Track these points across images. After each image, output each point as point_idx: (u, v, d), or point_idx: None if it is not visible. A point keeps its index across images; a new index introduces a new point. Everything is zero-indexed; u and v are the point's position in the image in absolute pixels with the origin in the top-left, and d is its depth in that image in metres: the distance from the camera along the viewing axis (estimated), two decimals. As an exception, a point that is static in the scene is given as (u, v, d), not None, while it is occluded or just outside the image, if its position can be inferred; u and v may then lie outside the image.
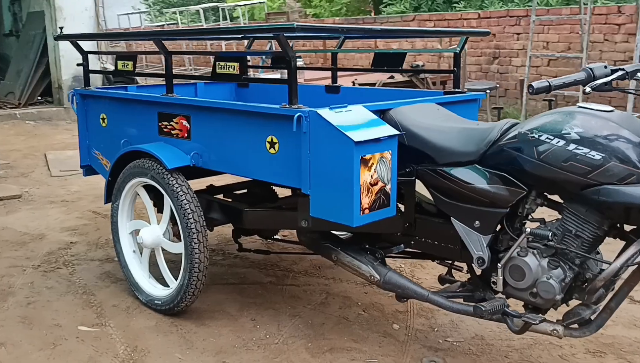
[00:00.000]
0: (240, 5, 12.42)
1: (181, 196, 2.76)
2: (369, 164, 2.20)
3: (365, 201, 2.22)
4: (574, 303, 2.29)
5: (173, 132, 2.93)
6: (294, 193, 3.39)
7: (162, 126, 2.98)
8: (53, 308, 3.09)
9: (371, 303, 3.19)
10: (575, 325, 2.24)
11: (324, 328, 2.92)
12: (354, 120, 2.24)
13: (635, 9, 7.33)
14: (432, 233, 2.53)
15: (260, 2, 12.51)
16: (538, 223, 2.29)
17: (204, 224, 2.77)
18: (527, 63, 8.11)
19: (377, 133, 2.22)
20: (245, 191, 3.43)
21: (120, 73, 3.19)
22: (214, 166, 2.78)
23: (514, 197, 2.25)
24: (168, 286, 3.02)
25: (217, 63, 2.64)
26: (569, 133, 2.07)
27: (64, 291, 3.30)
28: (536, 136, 2.15)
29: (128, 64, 3.13)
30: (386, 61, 3.46)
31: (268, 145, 2.49)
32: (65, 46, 8.82)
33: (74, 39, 3.41)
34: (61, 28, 3.69)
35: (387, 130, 2.27)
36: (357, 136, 2.14)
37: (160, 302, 2.97)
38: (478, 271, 2.50)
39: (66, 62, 8.89)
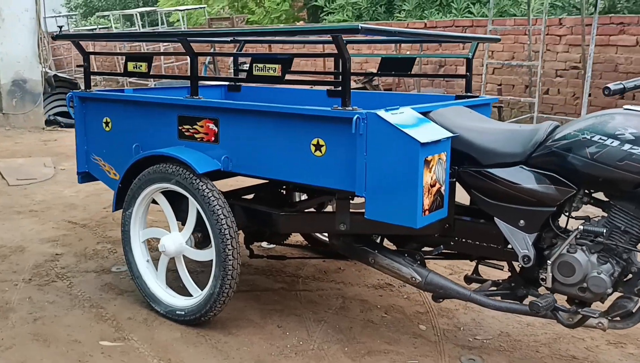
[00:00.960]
0: (181, 10, 12.16)
1: (213, 201, 2.67)
2: (430, 166, 2.23)
3: (427, 202, 2.23)
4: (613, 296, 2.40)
5: (197, 136, 2.83)
6: (310, 196, 3.35)
7: (183, 130, 2.87)
8: (64, 324, 2.91)
9: (390, 306, 3.21)
10: (618, 318, 2.35)
11: (353, 332, 2.91)
12: (411, 122, 2.26)
13: (580, 21, 7.78)
14: (472, 233, 2.58)
15: (200, 8, 12.31)
16: (583, 221, 2.38)
17: (236, 229, 2.69)
18: (484, 71, 8.44)
19: (437, 135, 2.24)
20: (252, 195, 3.37)
21: (131, 75, 3.05)
22: (246, 170, 2.71)
23: (562, 196, 2.34)
24: (190, 295, 2.91)
25: (254, 65, 2.58)
26: (623, 134, 2.17)
27: (68, 305, 3.11)
28: (588, 137, 2.24)
29: (141, 66, 3.00)
30: (394, 66, 3.50)
31: (313, 148, 2.46)
32: (5, 49, 8.31)
33: (76, 38, 3.23)
34: (60, 27, 3.48)
35: (443, 132, 2.30)
36: (422, 137, 2.16)
37: (184, 312, 2.86)
38: (517, 269, 2.57)
39: (5, 65, 8.37)
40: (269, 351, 2.71)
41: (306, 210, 3.03)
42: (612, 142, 2.19)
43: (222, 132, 2.74)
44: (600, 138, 2.22)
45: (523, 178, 2.40)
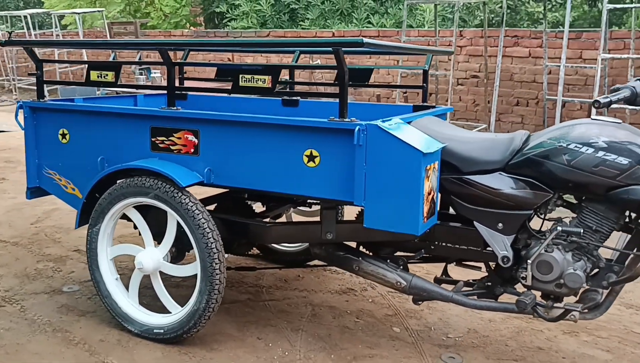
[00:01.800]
0: (78, 13, 11.54)
1: (197, 214, 2.62)
2: (428, 175, 2.33)
3: (426, 209, 2.34)
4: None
5: (173, 148, 2.75)
6: (267, 205, 3.33)
7: (157, 142, 2.78)
8: (31, 351, 2.71)
9: (359, 310, 3.29)
10: (587, 310, 2.59)
11: (333, 339, 2.95)
12: (408, 133, 2.35)
13: (480, 33, 8.31)
14: (452, 237, 2.72)
15: (98, 11, 11.74)
16: (555, 222, 2.60)
17: (221, 243, 2.65)
18: (399, 79, 8.76)
19: (434, 145, 2.35)
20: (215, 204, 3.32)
21: (95, 85, 2.90)
22: (230, 183, 2.67)
23: (539, 200, 2.53)
24: (167, 312, 2.81)
25: (240, 76, 2.56)
26: (597, 141, 2.40)
27: (28, 331, 2.89)
28: (564, 145, 2.45)
29: (107, 75, 2.86)
30: (353, 77, 3.59)
31: (306, 159, 2.48)
32: None
33: (27, 45, 3.01)
34: (10, 32, 3.22)
35: (436, 142, 2.42)
36: (423, 148, 2.26)
37: (162, 331, 2.76)
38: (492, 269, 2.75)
39: None
40: (257, 364, 2.69)
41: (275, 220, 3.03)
42: (587, 149, 2.41)
43: (203, 144, 2.68)
44: (575, 146, 2.43)
45: (503, 184, 2.57)
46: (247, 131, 2.59)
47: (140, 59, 9.88)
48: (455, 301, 2.71)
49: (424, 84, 3.43)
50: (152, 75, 9.09)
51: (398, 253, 2.88)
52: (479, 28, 9.13)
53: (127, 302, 2.88)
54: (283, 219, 3.76)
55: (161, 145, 2.78)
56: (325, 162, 2.45)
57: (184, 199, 2.63)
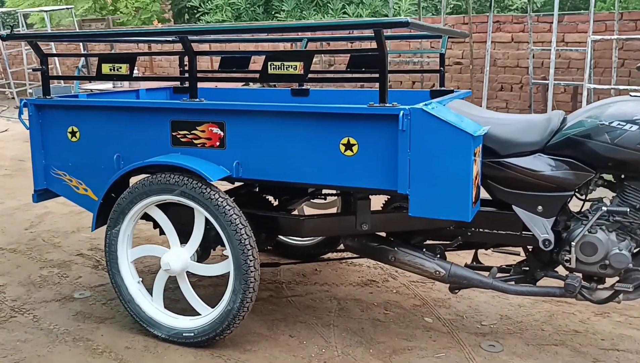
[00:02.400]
0: (46, 11, 11.14)
1: (229, 211, 2.49)
2: (475, 159, 2.25)
3: (473, 194, 2.26)
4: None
5: (196, 141, 2.61)
6: (281, 200, 3.20)
7: (179, 136, 2.64)
8: (55, 363, 2.55)
9: (386, 302, 3.20)
10: (630, 289, 2.54)
11: (367, 332, 2.86)
12: (453, 116, 2.26)
13: (462, 20, 8.29)
14: (489, 222, 2.65)
15: (67, 8, 11.36)
16: (596, 202, 2.54)
17: (254, 239, 2.53)
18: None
19: (479, 128, 2.27)
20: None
21: (107, 78, 2.74)
22: (260, 176, 2.55)
23: (581, 180, 2.48)
24: (196, 314, 2.68)
25: (269, 63, 2.43)
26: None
27: (46, 341, 2.73)
28: (606, 123, 2.40)
29: (121, 67, 2.70)
30: (364, 62, 3.49)
31: (343, 147, 2.38)
32: None
33: (32, 38, 2.83)
34: (12, 26, 3.01)
35: (479, 125, 2.34)
36: (472, 131, 2.17)
37: (193, 334, 2.63)
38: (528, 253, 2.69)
39: None
40: (297, 363, 2.59)
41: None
42: (631, 127, 2.35)
43: (230, 136, 2.55)
44: (618, 124, 2.38)
45: (543, 165, 2.51)
46: (278, 121, 2.47)
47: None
48: (495, 288, 2.65)
49: (441, 68, 3.35)
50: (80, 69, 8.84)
51: (429, 242, 2.81)
52: (463, 15, 9.12)
53: (152, 306, 2.74)
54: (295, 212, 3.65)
55: (183, 139, 2.64)
56: (364, 150, 2.34)
57: (214, 195, 2.50)
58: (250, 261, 2.49)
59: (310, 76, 2.41)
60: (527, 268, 2.71)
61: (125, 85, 8.39)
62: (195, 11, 12.72)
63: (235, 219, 2.49)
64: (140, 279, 2.78)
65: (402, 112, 2.21)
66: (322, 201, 3.61)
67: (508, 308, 3.15)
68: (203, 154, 2.61)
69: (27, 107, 2.89)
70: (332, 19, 11.82)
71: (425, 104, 2.27)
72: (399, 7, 12.59)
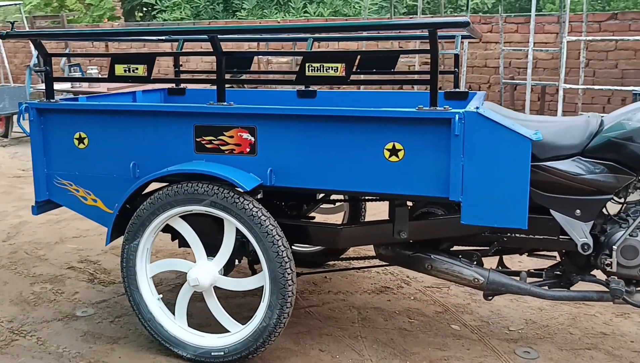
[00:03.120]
0: (-7, 6, 10.55)
1: (264, 221, 2.34)
2: (529, 163, 2.18)
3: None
4: None
5: (223, 148, 2.45)
6: (288, 207, 3.05)
7: (204, 142, 2.47)
8: (75, 392, 2.34)
9: (406, 310, 3.12)
10: None
11: (397, 343, 2.77)
12: (506, 120, 2.18)
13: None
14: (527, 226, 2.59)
15: (16, 4, 10.76)
16: (633, 205, 2.53)
17: (291, 250, 2.39)
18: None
19: (533, 132, 2.20)
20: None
21: (121, 80, 2.54)
22: (296, 183, 2.40)
23: (622, 183, 2.45)
24: (227, 331, 2.52)
25: (307, 64, 2.30)
26: (683, 121, 2.34)
27: (60, 367, 2.51)
28: (648, 126, 2.38)
29: (138, 68, 2.51)
30: (375, 62, 3.40)
31: (387, 153, 2.26)
32: None
33: (35, 37, 2.59)
34: (12, 23, 2.74)
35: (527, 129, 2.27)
36: (529, 134, 2.10)
37: (223, 353, 2.47)
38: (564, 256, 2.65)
39: None
40: (335, 379, 2.46)
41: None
42: (674, 129, 2.34)
43: (262, 142, 2.40)
44: (661, 126, 2.36)
45: (583, 168, 2.46)
46: (315, 125, 2.33)
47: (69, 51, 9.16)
48: (533, 294, 2.59)
49: (456, 69, 3.29)
50: (90, 72, 8.43)
51: (460, 248, 2.73)
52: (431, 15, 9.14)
53: (175, 324, 2.56)
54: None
55: (208, 145, 2.47)
56: (411, 155, 2.24)
57: (248, 204, 2.35)
58: (288, 274, 2.35)
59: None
60: (561, 273, 2.67)
61: (84, 86, 8.02)
62: (151, 8, 12.34)
63: (272, 230, 2.34)
64: (161, 295, 2.59)
65: (457, 116, 2.12)
66: (331, 206, 3.49)
67: (530, 312, 3.11)
68: (231, 161, 2.44)
69: (28, 112, 2.65)
70: (294, 18, 11.68)
71: (476, 108, 2.19)
72: (360, 6, 12.59)
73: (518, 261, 3.45)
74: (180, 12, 11.55)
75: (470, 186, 2.17)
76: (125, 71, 2.53)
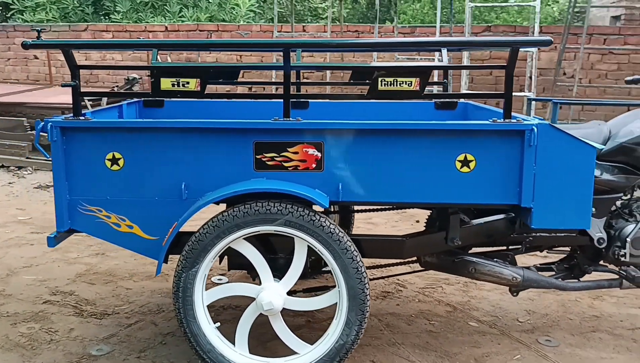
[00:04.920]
0: None
1: (342, 237, 2.32)
2: (585, 170, 2.40)
3: (589, 203, 2.41)
4: None
5: (287, 164, 2.37)
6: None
7: (265, 159, 2.37)
8: None
9: (420, 312, 3.24)
10: None
11: (434, 345, 2.88)
12: (572, 131, 2.38)
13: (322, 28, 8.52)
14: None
15: None
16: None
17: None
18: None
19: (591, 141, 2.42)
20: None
21: (167, 96, 2.35)
22: (364, 198, 2.40)
23: (631, 183, 2.79)
24: (294, 353, 2.44)
25: (379, 79, 2.31)
26: (684, 127, 2.72)
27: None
28: (657, 131, 2.73)
29: (189, 83, 2.34)
30: (367, 75, 3.47)
31: (459, 164, 2.36)
32: None
33: (65, 47, 2.28)
34: (39, 31, 2.35)
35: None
36: (595, 145, 2.32)
37: (296, 376, 2.39)
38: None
39: None
40: (406, 388, 2.50)
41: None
42: (679, 134, 2.72)
43: (328, 157, 2.37)
44: (668, 132, 2.72)
45: (599, 171, 2.76)
46: (385, 139, 2.35)
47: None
48: (558, 287, 2.84)
49: (445, 80, 3.47)
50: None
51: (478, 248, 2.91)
52: (322, 23, 9.33)
53: (236, 353, 2.43)
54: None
55: (270, 163, 2.37)
56: (483, 166, 2.35)
57: (325, 222, 2.31)
58: (367, 289, 2.35)
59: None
60: (569, 266, 2.94)
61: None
62: (5, 9, 11.15)
63: (350, 246, 2.32)
64: (218, 324, 2.44)
65: (532, 127, 2.27)
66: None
67: (524, 303, 3.38)
68: (295, 178, 2.38)
69: (49, 131, 2.35)
70: (171, 22, 11.25)
71: (541, 120, 2.36)
72: (236, 12, 12.48)
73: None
74: (46, 13, 10.57)
75: (540, 192, 2.34)
76: (173, 85, 2.35)
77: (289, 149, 2.37)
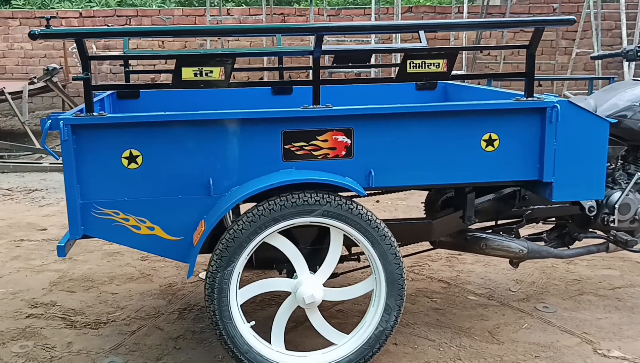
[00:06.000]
0: None
1: (379, 224, 2.30)
2: (593, 143, 2.53)
3: (600, 175, 2.54)
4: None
5: (316, 153, 2.31)
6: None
7: (293, 148, 2.29)
8: None
9: (418, 291, 3.30)
10: None
11: (446, 322, 2.94)
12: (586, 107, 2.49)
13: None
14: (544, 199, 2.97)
15: None
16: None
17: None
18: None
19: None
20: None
21: (188, 86, 2.20)
22: (394, 182, 2.39)
23: (617, 153, 2.98)
24: (331, 345, 2.41)
25: (408, 61, 2.29)
26: (662, 100, 2.94)
27: None
28: (637, 104, 2.92)
29: (212, 72, 2.20)
30: (350, 58, 3.45)
31: (484, 143, 2.40)
32: None
33: (78, 36, 2.05)
34: (48, 19, 2.06)
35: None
36: (609, 119, 2.45)
37: (338, 366, 2.36)
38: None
39: None
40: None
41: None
42: (657, 105, 2.93)
43: (358, 143, 2.33)
44: (645, 104, 2.93)
45: (589, 143, 2.92)
46: (412, 122, 2.35)
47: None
48: (556, 256, 3.00)
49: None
50: None
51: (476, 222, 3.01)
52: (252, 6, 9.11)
53: (273, 351, 2.35)
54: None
55: (298, 152, 2.30)
56: (507, 144, 2.41)
57: (362, 209, 2.28)
58: (404, 274, 2.36)
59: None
60: (559, 234, 3.10)
61: None
62: None
63: (387, 232, 2.31)
64: (253, 322, 2.35)
65: (554, 104, 2.36)
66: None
67: (507, 273, 3.54)
68: (326, 166, 2.32)
69: (59, 129, 2.13)
70: (79, 8, 10.51)
71: (555, 95, 2.46)
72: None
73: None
74: None
75: (560, 167, 2.44)
76: (195, 74, 2.20)
77: (318, 138, 2.31)
